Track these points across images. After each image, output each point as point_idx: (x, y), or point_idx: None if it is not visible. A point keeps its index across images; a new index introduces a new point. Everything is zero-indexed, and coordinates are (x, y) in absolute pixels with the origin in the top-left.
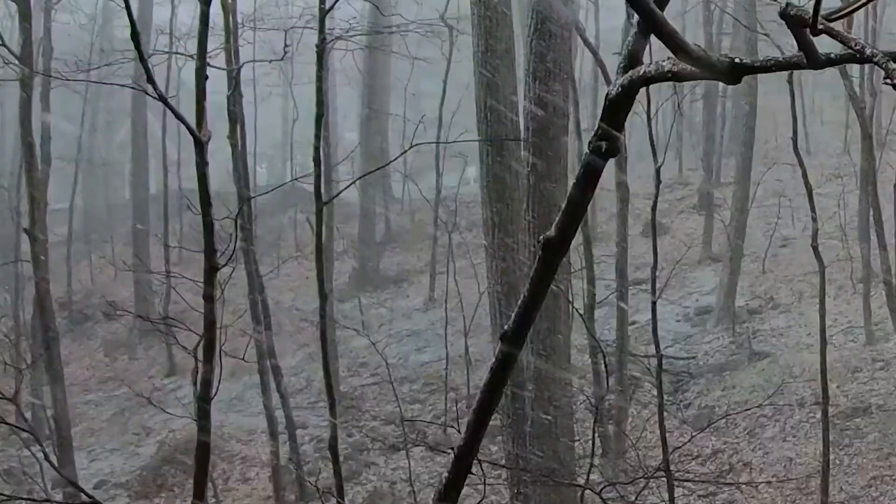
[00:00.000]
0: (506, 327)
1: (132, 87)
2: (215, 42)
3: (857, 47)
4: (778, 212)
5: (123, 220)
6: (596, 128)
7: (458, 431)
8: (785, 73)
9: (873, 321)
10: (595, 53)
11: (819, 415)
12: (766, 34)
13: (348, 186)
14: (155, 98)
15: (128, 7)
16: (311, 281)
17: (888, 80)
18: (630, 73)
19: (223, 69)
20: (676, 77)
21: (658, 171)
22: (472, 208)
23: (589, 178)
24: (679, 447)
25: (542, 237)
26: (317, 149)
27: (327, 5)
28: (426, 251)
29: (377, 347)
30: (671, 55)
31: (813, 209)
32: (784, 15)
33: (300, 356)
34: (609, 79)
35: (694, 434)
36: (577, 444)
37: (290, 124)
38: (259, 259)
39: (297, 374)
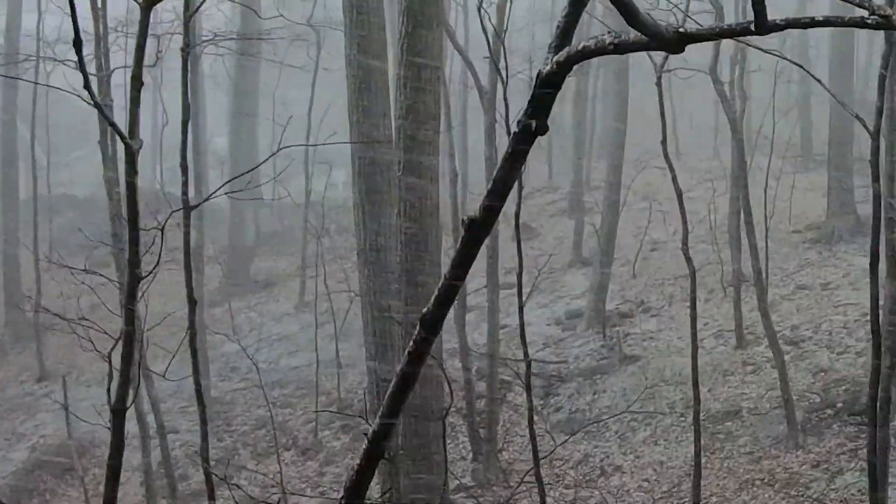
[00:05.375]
0: (424, 310)
1: (68, 93)
2: (89, 48)
3: (877, 10)
4: (648, 215)
5: None
6: (526, 107)
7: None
8: (653, 76)
9: (744, 325)
10: (465, 57)
11: (690, 418)
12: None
13: (217, 191)
14: (90, 105)
15: (73, 15)
16: (180, 286)
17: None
18: (566, 49)
19: (94, 75)
20: (618, 49)
21: (521, 177)
22: (341, 212)
23: (516, 156)
24: (548, 454)
25: (466, 217)
26: (184, 154)
27: (191, 11)
28: (296, 255)
29: (248, 352)
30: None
31: (683, 213)
32: None
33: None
34: (479, 80)
35: (560, 444)
36: (448, 447)
37: (159, 129)
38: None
39: (168, 380)
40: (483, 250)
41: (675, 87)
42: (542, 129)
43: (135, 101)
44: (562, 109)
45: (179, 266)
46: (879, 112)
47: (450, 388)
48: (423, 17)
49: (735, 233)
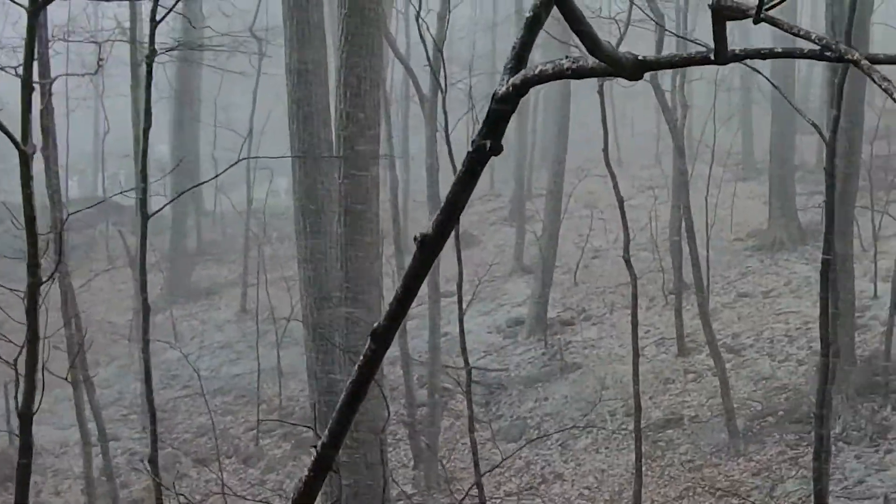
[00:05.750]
0: (376, 325)
1: None
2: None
3: (801, 33)
4: (590, 223)
5: None
6: (481, 127)
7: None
8: (595, 84)
9: (685, 333)
10: (406, 65)
11: (631, 426)
12: (574, 46)
13: (173, 200)
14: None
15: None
16: (122, 293)
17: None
18: (524, 71)
19: (38, 82)
20: (575, 74)
21: None
22: (283, 220)
23: (469, 177)
24: (492, 469)
25: (419, 234)
26: (144, 162)
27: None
28: (238, 263)
29: (189, 360)
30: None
31: (624, 221)
32: (716, 5)
33: (112, 369)
34: (420, 89)
35: (506, 458)
36: (390, 454)
37: (101, 137)
38: (71, 272)
39: (110, 387)
40: None
41: (617, 95)
42: (497, 150)
43: (26, 107)
44: None
45: (121, 274)
46: (836, 120)
47: (385, 401)
48: (364, 25)
49: (676, 241)
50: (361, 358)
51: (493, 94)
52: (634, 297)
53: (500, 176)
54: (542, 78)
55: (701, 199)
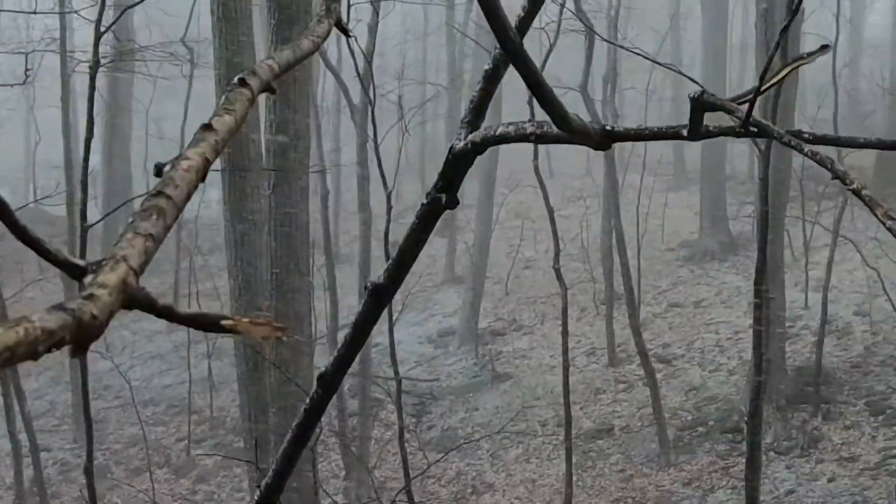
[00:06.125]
0: (323, 369)
1: None
2: None
3: (792, 143)
4: (521, 233)
5: None
6: (436, 180)
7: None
8: (525, 93)
9: (616, 343)
10: (337, 76)
11: (562, 436)
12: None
13: (113, 211)
14: None
15: None
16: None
17: (840, 181)
18: (484, 130)
19: None
20: (540, 140)
21: (389, 196)
22: (214, 231)
23: (424, 228)
24: (421, 473)
25: (369, 282)
26: (85, 173)
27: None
28: (169, 273)
29: (120, 370)
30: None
31: (555, 231)
32: (697, 101)
33: (43, 379)
34: (350, 100)
35: (432, 463)
36: (321, 465)
37: (32, 148)
38: (2, 282)
39: (41, 398)
40: (353, 264)
41: None
42: (452, 204)
43: None
44: (435, 127)
45: (52, 285)
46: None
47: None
48: (293, 35)
49: (607, 251)
50: (307, 401)
51: (451, 148)
52: (565, 307)
53: (431, 186)
54: (502, 139)
55: (632, 209)
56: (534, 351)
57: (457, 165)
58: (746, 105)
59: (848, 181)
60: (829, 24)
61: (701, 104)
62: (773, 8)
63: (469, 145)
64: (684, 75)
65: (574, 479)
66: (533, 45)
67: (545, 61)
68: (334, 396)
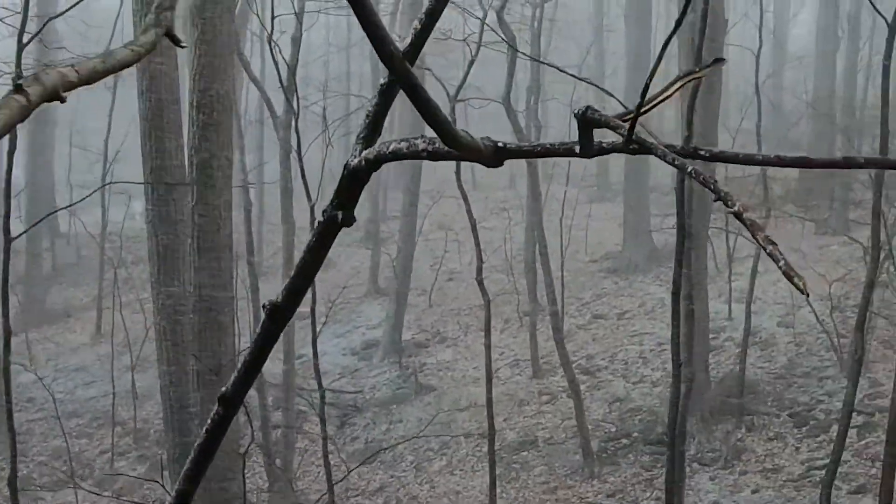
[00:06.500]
0: (224, 389)
1: None
2: None
3: (676, 162)
4: (444, 245)
5: None
6: (333, 197)
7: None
8: (447, 105)
9: (540, 354)
10: (260, 88)
11: (486, 448)
12: (427, 69)
13: (37, 224)
14: None
15: None
16: None
17: (722, 203)
18: (379, 147)
19: None
20: (432, 157)
21: (312, 209)
22: (139, 243)
23: (321, 247)
24: (340, 480)
25: (268, 302)
26: (8, 185)
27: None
28: (93, 286)
29: (44, 382)
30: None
31: (477, 243)
32: (583, 118)
33: None
34: (273, 111)
35: (352, 469)
36: (246, 478)
37: None
38: None
39: None
40: (277, 276)
41: (471, 116)
42: (349, 221)
43: None
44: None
45: None
46: (687, 140)
47: (251, 425)
48: (217, 48)
49: (531, 262)
50: (209, 421)
51: (346, 165)
52: (487, 319)
53: None
54: (397, 156)
55: (556, 221)
56: (457, 363)
57: (352, 182)
58: (631, 122)
59: (730, 203)
60: (752, 37)
61: (586, 121)
62: (695, 20)
63: (363, 162)
64: (601, 88)
65: (498, 490)
66: (456, 56)
67: (467, 73)
68: (257, 409)
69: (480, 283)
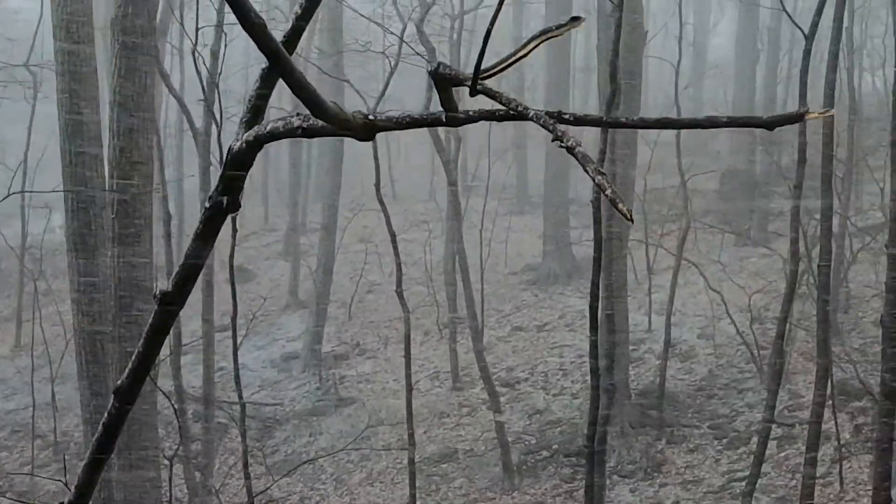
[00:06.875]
0: (119, 382)
1: None
2: None
3: (520, 108)
4: (364, 258)
5: None
6: (217, 183)
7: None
8: None
9: (460, 366)
10: (179, 99)
11: (406, 460)
12: (346, 80)
13: None
14: None
15: None
16: None
17: (559, 142)
18: (256, 129)
19: None
20: (307, 133)
21: (234, 220)
22: (58, 255)
23: (208, 233)
24: (261, 492)
25: (159, 291)
26: None
27: None
28: (13, 298)
29: None
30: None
31: (397, 255)
32: (435, 74)
33: None
34: (193, 124)
35: (274, 482)
36: (164, 491)
37: None
38: None
39: None
40: (197, 290)
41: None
42: (234, 207)
43: None
44: (278, 151)
45: None
46: (602, 154)
47: (182, 434)
48: (137, 60)
49: (451, 274)
50: (105, 416)
51: (229, 150)
52: (407, 331)
53: (275, 210)
54: (273, 136)
55: (476, 233)
56: (377, 375)
57: (236, 166)
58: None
59: (564, 140)
60: (672, 49)
61: (440, 77)
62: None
63: (244, 145)
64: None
65: (418, 502)
66: (376, 68)
67: (386, 85)
68: (177, 420)
69: (400, 295)
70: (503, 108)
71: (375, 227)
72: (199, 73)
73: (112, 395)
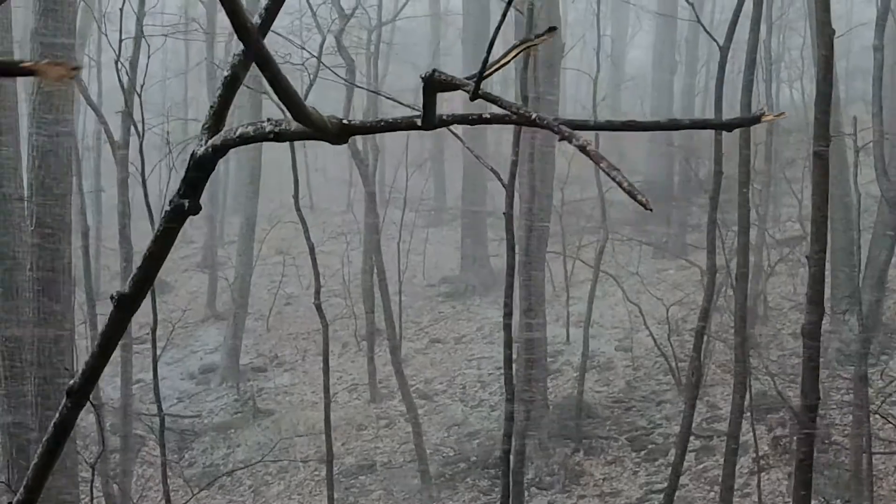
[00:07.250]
0: (72, 382)
1: None
2: None
3: (521, 112)
4: (282, 270)
5: None
6: (179, 185)
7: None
8: None
9: (378, 378)
10: (97, 111)
11: (324, 472)
12: (264, 93)
13: None
14: None
15: None
16: None
17: (568, 142)
18: (224, 133)
19: None
20: (279, 137)
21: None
22: None
23: (167, 236)
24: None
25: (116, 293)
26: None
27: None
28: None
29: None
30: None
31: (315, 267)
32: (430, 80)
33: None
34: (111, 135)
35: (194, 494)
36: (83, 499)
37: None
38: None
39: None
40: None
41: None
42: (195, 210)
43: None
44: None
45: None
46: (514, 164)
47: (102, 442)
48: (58, 40)
49: (368, 286)
50: (57, 415)
51: (192, 154)
52: (325, 343)
53: (193, 222)
54: (243, 140)
55: (393, 245)
56: (295, 387)
57: (199, 170)
58: (477, 79)
59: (574, 140)
60: (590, 60)
61: (432, 83)
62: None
63: (210, 150)
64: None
65: None
66: (294, 81)
67: (305, 97)
68: (94, 434)
69: (318, 307)
70: (503, 111)
71: (293, 240)
72: (121, 83)
73: (66, 394)
